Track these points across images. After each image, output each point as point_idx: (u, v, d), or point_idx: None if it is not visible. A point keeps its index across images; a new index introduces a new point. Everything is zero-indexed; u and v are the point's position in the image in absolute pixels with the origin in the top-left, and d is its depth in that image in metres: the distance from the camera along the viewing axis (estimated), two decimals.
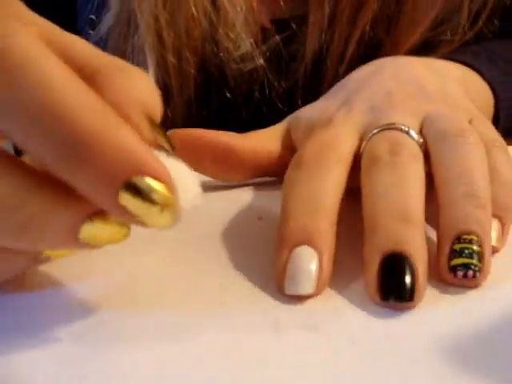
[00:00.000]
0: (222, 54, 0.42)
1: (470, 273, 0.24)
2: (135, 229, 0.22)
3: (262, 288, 0.25)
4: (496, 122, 0.40)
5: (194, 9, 0.41)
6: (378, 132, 0.29)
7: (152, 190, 0.19)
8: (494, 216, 0.27)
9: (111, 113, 0.19)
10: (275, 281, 0.25)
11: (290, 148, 0.33)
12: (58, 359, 0.21)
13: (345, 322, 0.23)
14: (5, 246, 0.20)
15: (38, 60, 0.18)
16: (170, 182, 0.19)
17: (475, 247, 0.25)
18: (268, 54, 0.43)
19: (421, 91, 0.32)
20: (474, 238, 0.25)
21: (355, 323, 0.23)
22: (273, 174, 0.34)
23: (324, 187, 0.26)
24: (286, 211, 0.26)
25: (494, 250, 0.27)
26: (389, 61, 0.36)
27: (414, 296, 0.23)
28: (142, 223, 0.20)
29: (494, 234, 0.27)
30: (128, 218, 0.20)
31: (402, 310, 0.24)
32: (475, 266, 0.25)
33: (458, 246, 0.25)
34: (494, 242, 0.27)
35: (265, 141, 0.34)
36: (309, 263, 0.24)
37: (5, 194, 0.19)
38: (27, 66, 0.18)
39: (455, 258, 0.25)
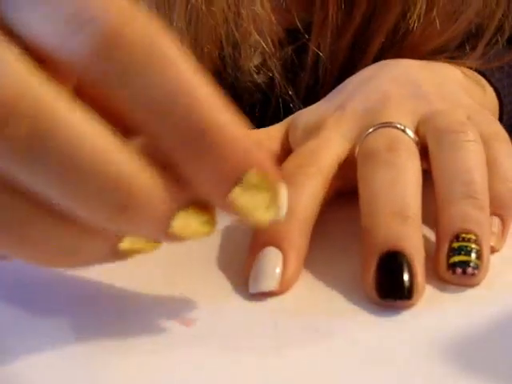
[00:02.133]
0: (231, 69, 0.42)
1: (469, 270, 0.25)
2: None
3: None
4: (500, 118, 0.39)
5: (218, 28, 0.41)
6: (373, 130, 0.29)
7: (264, 185, 0.20)
8: (495, 214, 0.27)
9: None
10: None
11: (288, 149, 0.33)
12: (59, 358, 0.22)
13: (344, 322, 0.23)
14: (93, 226, 0.19)
15: (170, 51, 0.18)
16: (278, 181, 0.20)
17: (474, 245, 0.25)
18: (281, 64, 0.43)
19: (417, 92, 0.32)
20: (473, 237, 0.25)
21: (355, 324, 0.23)
22: None
23: (296, 204, 0.26)
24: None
25: (495, 249, 0.27)
26: (389, 64, 0.35)
27: (412, 294, 0.23)
28: (245, 217, 0.20)
29: (494, 232, 0.27)
30: (233, 211, 0.20)
31: (400, 308, 0.24)
32: (474, 263, 0.25)
33: (456, 245, 0.25)
34: (494, 241, 0.27)
35: (264, 140, 0.34)
36: (272, 262, 0.25)
37: (114, 170, 0.18)
38: (161, 57, 0.18)
39: (454, 255, 0.25)
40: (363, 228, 0.26)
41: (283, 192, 0.21)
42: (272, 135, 0.34)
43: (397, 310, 0.24)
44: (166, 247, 0.28)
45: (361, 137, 0.29)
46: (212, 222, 0.21)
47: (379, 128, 0.29)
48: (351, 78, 0.36)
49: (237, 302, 0.25)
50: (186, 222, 0.20)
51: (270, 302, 0.25)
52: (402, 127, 0.29)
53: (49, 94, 0.17)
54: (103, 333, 0.23)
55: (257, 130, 0.35)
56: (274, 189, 0.20)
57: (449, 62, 0.38)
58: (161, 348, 0.22)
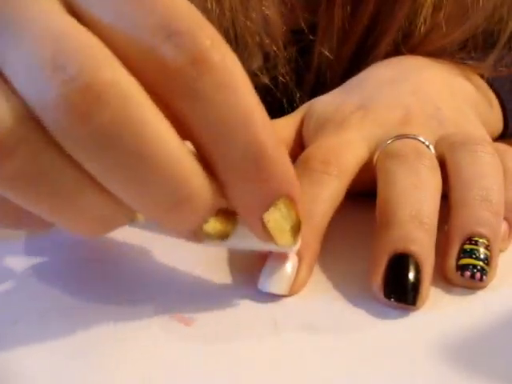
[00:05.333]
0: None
1: (478, 275, 0.25)
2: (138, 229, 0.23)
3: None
4: (504, 132, 0.39)
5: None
6: (397, 139, 0.29)
7: (290, 210, 0.21)
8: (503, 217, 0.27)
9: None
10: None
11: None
12: (57, 358, 0.22)
13: (344, 321, 0.23)
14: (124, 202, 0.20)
15: (243, 80, 0.19)
16: (300, 210, 0.22)
17: (485, 251, 0.25)
18: (285, 65, 0.43)
19: (437, 114, 0.32)
20: (485, 241, 0.25)
21: (355, 323, 0.23)
22: None
23: (316, 206, 0.26)
24: None
25: (500, 250, 0.27)
26: (412, 68, 0.35)
27: (416, 300, 0.24)
28: (269, 237, 0.22)
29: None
30: (259, 230, 0.21)
31: (403, 310, 0.24)
32: (483, 269, 0.25)
33: (468, 247, 0.25)
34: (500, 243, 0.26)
35: (279, 129, 0.34)
36: (288, 264, 0.25)
37: (181, 167, 0.19)
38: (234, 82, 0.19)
39: (465, 257, 0.25)
40: (379, 224, 0.26)
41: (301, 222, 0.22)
42: (287, 123, 0.35)
43: (398, 310, 0.24)
44: (166, 247, 0.28)
45: (382, 143, 0.29)
46: (232, 227, 0.22)
47: (404, 138, 0.29)
48: (367, 73, 0.36)
49: (237, 302, 0.25)
50: (214, 225, 0.21)
51: (270, 302, 0.24)
52: (427, 142, 0.29)
53: (134, 86, 0.18)
54: (102, 331, 0.23)
55: (273, 120, 0.34)
56: (298, 217, 0.22)
57: (463, 66, 0.38)
58: (160, 347, 0.22)
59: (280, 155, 0.20)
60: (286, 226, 0.22)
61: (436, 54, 0.39)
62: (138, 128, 0.18)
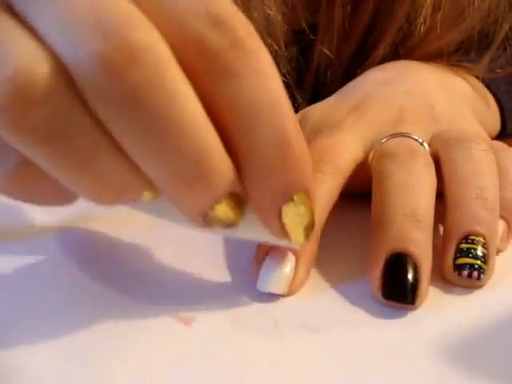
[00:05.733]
0: None
1: (475, 274, 0.25)
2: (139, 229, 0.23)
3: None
4: (502, 133, 0.40)
5: None
6: (391, 138, 0.29)
7: (306, 209, 0.21)
8: (500, 216, 0.27)
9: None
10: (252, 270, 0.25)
11: None
12: (56, 357, 0.22)
13: (344, 322, 0.23)
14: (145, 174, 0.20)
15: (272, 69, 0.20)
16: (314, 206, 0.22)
17: (482, 249, 0.25)
18: (286, 65, 0.43)
19: (431, 112, 0.32)
20: (481, 239, 0.25)
21: (355, 323, 0.23)
22: None
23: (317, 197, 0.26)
24: None
25: (499, 250, 0.27)
26: (407, 70, 0.35)
27: (415, 300, 0.24)
28: (285, 234, 0.22)
29: (499, 234, 0.27)
30: (275, 225, 0.21)
31: (402, 309, 0.24)
32: (480, 267, 0.25)
33: (465, 246, 0.25)
34: (498, 243, 0.26)
35: None
36: (286, 264, 0.25)
37: (204, 142, 0.19)
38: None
39: (461, 257, 0.25)
40: (374, 224, 0.26)
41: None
42: None
43: (397, 310, 0.24)
44: (166, 247, 0.28)
45: (377, 143, 0.29)
46: (240, 215, 0.22)
47: (398, 136, 0.29)
48: (362, 77, 0.36)
49: (237, 302, 0.25)
50: (225, 208, 0.21)
51: (271, 302, 0.25)
52: (420, 140, 0.29)
53: (170, 53, 0.19)
54: (102, 331, 0.23)
55: None
56: (313, 213, 0.22)
57: (458, 68, 0.38)
58: (160, 347, 0.22)
59: (304, 148, 0.21)
60: (302, 222, 0.22)
61: (432, 56, 0.39)
62: (169, 94, 0.18)
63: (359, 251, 0.27)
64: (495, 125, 0.39)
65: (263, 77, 0.20)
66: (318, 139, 0.30)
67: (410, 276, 0.24)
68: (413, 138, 0.29)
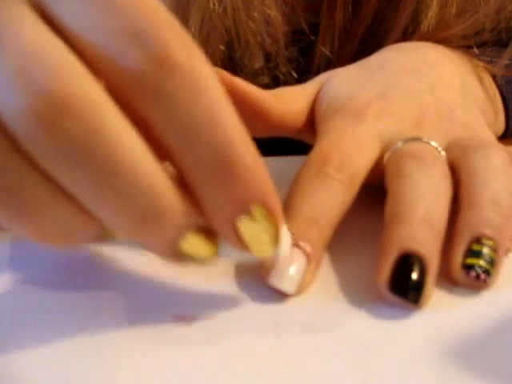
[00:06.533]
0: (239, 69, 0.42)
1: (483, 276, 0.25)
2: None
3: (261, 290, 0.25)
4: (505, 130, 0.40)
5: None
6: (410, 141, 0.29)
7: (267, 222, 0.21)
8: None
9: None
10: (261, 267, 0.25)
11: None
12: (56, 358, 0.22)
13: (345, 322, 0.23)
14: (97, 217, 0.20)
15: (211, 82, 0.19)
16: (281, 218, 0.21)
17: (492, 253, 0.25)
18: (286, 65, 0.43)
19: (451, 117, 0.31)
20: (492, 244, 0.25)
21: (355, 323, 0.23)
22: (296, 134, 0.34)
23: (332, 212, 0.26)
24: (292, 207, 0.26)
25: (508, 250, 0.27)
26: (431, 61, 0.35)
27: (419, 300, 0.24)
28: (245, 248, 0.21)
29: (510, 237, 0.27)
30: (234, 239, 0.21)
31: (405, 307, 0.24)
32: (488, 271, 0.25)
33: (475, 247, 0.25)
34: (508, 243, 0.26)
35: (294, 101, 0.33)
36: (299, 265, 0.24)
37: (149, 180, 0.19)
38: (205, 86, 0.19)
39: (471, 257, 0.25)
40: (389, 222, 0.26)
41: (284, 232, 0.22)
42: (302, 94, 0.34)
43: (399, 310, 0.24)
44: None
45: (395, 144, 0.29)
46: (214, 249, 0.22)
47: (417, 141, 0.29)
48: (387, 54, 0.35)
49: (237, 302, 0.25)
50: (193, 243, 0.21)
51: (271, 303, 0.24)
52: (439, 148, 0.29)
53: (103, 98, 0.18)
54: (101, 331, 0.23)
55: (288, 88, 0.34)
56: (276, 227, 0.21)
57: (478, 63, 0.37)
58: (159, 346, 0.22)
59: (254, 160, 0.20)
60: (263, 236, 0.21)
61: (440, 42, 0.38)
62: (107, 141, 0.18)
63: (361, 253, 0.27)
64: (499, 129, 0.39)
65: (198, 91, 0.19)
66: (337, 131, 0.30)
67: (417, 276, 0.24)
68: (432, 146, 0.29)
